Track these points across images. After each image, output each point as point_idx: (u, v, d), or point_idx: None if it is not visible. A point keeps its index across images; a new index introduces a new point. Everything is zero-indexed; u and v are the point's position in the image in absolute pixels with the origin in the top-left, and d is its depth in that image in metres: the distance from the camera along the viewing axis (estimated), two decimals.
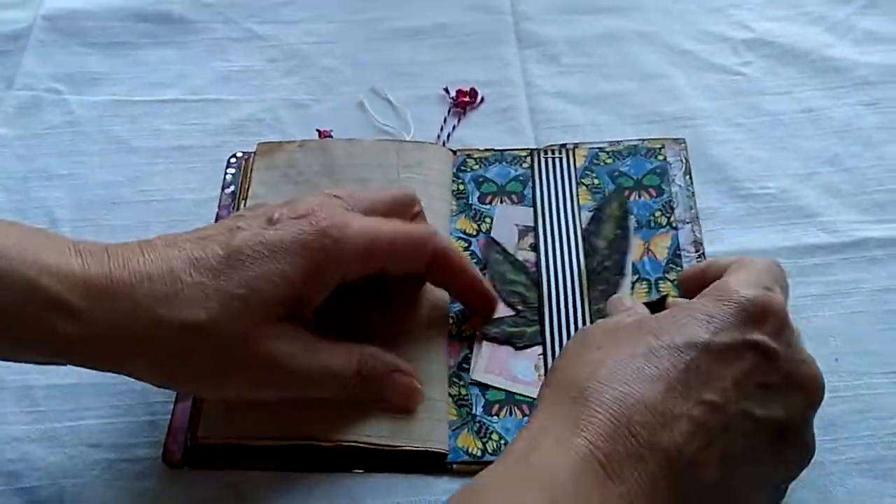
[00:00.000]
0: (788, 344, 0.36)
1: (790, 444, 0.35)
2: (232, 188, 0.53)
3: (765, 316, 0.36)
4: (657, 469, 0.31)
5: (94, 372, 0.45)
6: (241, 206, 0.50)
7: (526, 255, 0.49)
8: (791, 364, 0.36)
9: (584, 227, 0.50)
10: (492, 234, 0.50)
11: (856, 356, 0.46)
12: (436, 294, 0.47)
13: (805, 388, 0.36)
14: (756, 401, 0.34)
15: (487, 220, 0.51)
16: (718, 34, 0.61)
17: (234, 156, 0.54)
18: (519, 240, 0.50)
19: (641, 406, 0.32)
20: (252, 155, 0.53)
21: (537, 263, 0.49)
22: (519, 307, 0.47)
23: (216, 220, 0.50)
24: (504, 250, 0.50)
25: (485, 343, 0.46)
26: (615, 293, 0.47)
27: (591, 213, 0.50)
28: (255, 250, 0.38)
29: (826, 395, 0.43)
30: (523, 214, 0.51)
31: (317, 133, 0.56)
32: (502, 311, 0.47)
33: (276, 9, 0.64)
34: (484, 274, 0.48)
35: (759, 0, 0.63)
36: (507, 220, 0.51)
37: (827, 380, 0.44)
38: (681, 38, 0.61)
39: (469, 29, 0.62)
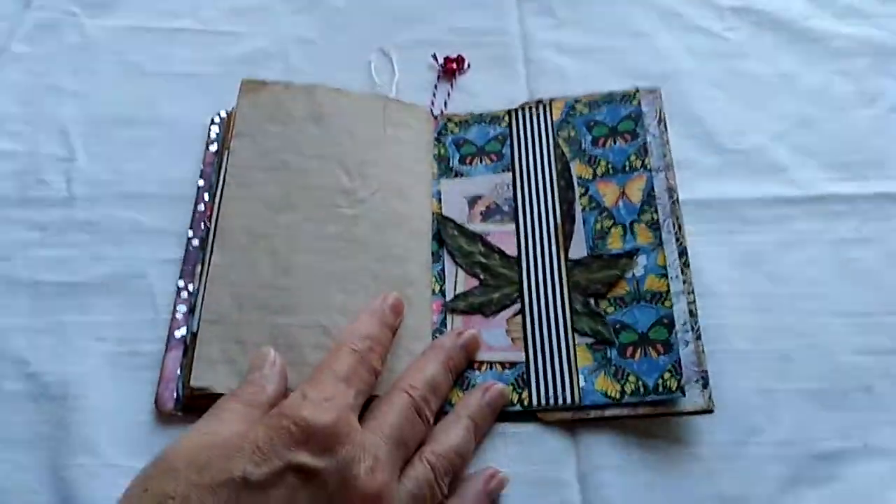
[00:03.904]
0: (338, 459, 0.36)
1: None
2: (215, 146, 0.54)
3: (309, 435, 0.36)
4: None
5: (101, 271, 0.49)
6: (226, 154, 0.52)
7: (478, 227, 0.51)
8: (340, 477, 0.36)
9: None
10: (444, 213, 0.52)
11: (811, 299, 0.49)
12: (415, 253, 0.49)
13: (354, 497, 0.36)
14: None
15: (466, 179, 0.53)
16: (708, 0, 0.64)
17: (217, 114, 0.55)
18: (469, 210, 0.52)
19: None
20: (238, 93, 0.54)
21: (515, 216, 0.51)
22: (481, 276, 0.49)
23: (200, 175, 0.53)
24: (456, 224, 0.51)
25: (455, 316, 0.48)
26: (570, 241, 0.49)
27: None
28: None
29: (783, 331, 0.48)
30: (470, 184, 0.52)
31: None
32: (465, 283, 0.49)
33: None
34: (443, 251, 0.50)
35: None
36: (455, 195, 0.52)
37: (784, 318, 0.48)
38: (672, 1, 0.64)
39: None
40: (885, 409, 0.45)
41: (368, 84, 0.58)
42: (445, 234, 0.51)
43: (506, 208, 0.51)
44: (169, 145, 0.55)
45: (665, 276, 0.46)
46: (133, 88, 0.58)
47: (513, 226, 0.50)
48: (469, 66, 0.60)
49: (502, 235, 0.50)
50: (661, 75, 0.59)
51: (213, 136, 0.55)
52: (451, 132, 0.55)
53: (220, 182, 0.51)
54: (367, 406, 0.42)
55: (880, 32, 0.61)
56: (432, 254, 0.50)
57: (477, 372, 0.46)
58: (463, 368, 0.46)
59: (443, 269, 0.50)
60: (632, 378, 0.44)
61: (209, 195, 0.52)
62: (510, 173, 0.52)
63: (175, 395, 0.45)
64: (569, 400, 0.44)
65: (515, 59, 0.60)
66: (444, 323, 0.48)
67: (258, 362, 0.42)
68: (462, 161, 0.54)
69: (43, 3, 0.62)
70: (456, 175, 0.53)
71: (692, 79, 0.59)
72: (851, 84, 0.59)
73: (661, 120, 0.52)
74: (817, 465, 0.43)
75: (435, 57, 0.60)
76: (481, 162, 0.53)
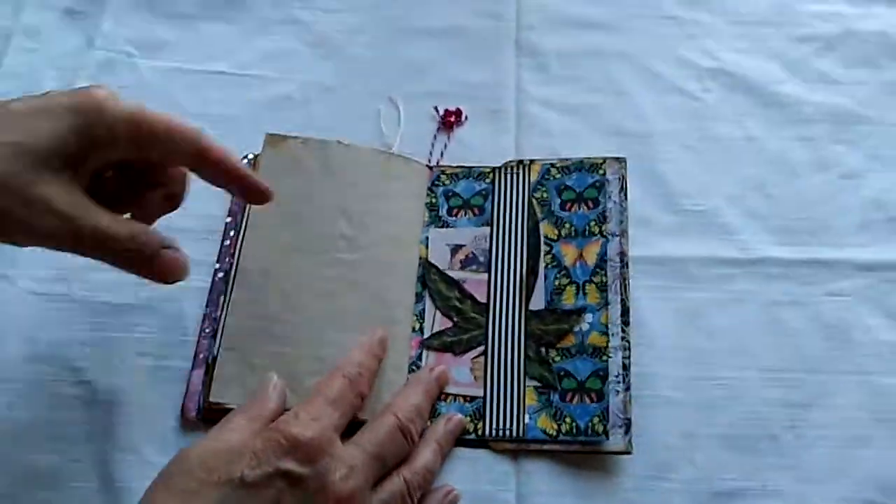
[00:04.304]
0: (318, 468, 0.45)
1: None
2: None
3: (296, 447, 0.45)
4: None
5: (143, 295, 0.59)
6: None
7: (456, 274, 0.59)
8: (319, 483, 0.45)
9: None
10: (429, 258, 0.60)
11: (737, 354, 0.57)
12: (401, 296, 0.58)
13: (328, 499, 0.45)
14: None
15: (452, 230, 0.61)
16: (688, 60, 0.70)
17: (245, 157, 0.64)
18: (451, 256, 0.60)
19: None
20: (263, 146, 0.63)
21: (489, 267, 0.59)
22: (455, 318, 0.58)
23: (228, 213, 0.62)
24: (439, 270, 0.60)
25: (430, 353, 0.57)
26: (532, 293, 0.58)
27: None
28: (28, 107, 0.44)
29: (708, 382, 0.56)
30: (453, 235, 0.61)
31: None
32: (441, 323, 0.58)
33: None
34: (425, 292, 0.59)
35: (730, 32, 0.71)
36: (440, 243, 0.61)
37: (711, 370, 0.57)
38: (655, 61, 0.70)
39: (476, 33, 0.72)
40: (786, 456, 0.54)
41: (377, 132, 0.67)
42: (429, 278, 0.60)
43: (481, 259, 0.60)
44: (203, 183, 0.64)
45: (606, 333, 0.55)
46: None
47: (486, 276, 0.59)
48: (466, 118, 0.68)
49: (476, 283, 0.59)
50: (636, 134, 0.66)
51: None
52: (444, 184, 0.63)
53: (244, 226, 0.60)
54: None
55: (843, 99, 0.68)
56: (416, 294, 0.59)
57: (443, 402, 0.55)
58: (437, 398, 0.55)
59: (423, 310, 0.59)
60: (568, 419, 0.53)
61: (234, 232, 0.61)
62: (489, 227, 0.61)
63: (197, 406, 0.55)
64: (515, 434, 0.53)
65: (508, 113, 0.67)
66: (420, 357, 0.57)
67: (264, 384, 0.52)
68: (449, 212, 0.62)
69: (104, 44, 0.71)
70: (443, 225, 0.62)
71: (664, 139, 0.66)
72: (808, 150, 0.65)
73: (622, 188, 0.60)
74: (719, 499, 0.52)
75: (437, 109, 0.68)
76: (465, 214, 0.62)
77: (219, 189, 0.63)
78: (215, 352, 0.56)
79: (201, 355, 0.57)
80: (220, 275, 0.60)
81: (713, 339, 0.58)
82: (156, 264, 0.48)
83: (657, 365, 0.56)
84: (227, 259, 0.60)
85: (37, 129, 0.43)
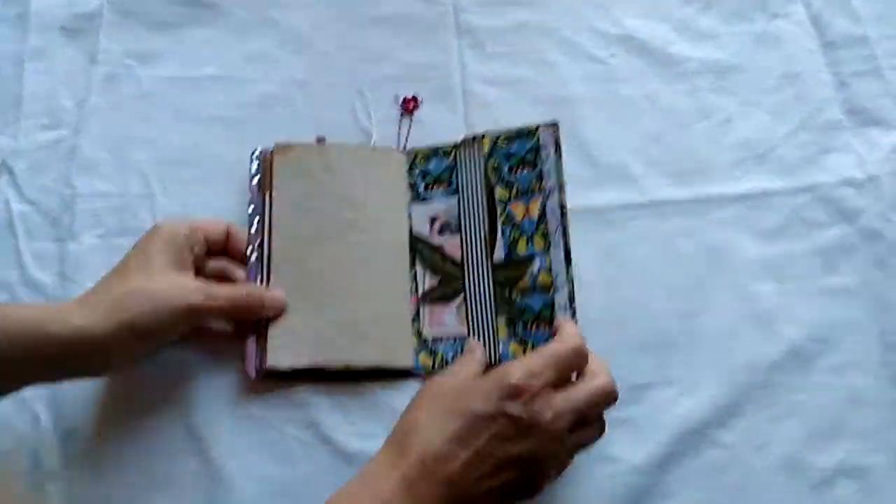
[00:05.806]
0: (534, 411, 0.58)
1: (529, 470, 0.58)
2: (258, 177, 0.76)
3: (518, 393, 0.58)
4: (441, 490, 0.56)
5: None
6: (267, 194, 0.75)
7: (436, 240, 0.76)
8: (532, 422, 0.57)
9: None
10: (414, 229, 0.76)
11: (643, 278, 0.76)
12: (399, 265, 0.75)
13: (539, 435, 0.58)
14: (503, 447, 0.57)
15: (429, 204, 0.77)
16: (598, 29, 0.85)
17: (255, 151, 0.77)
18: (430, 226, 0.77)
19: (433, 451, 0.56)
20: (270, 153, 0.76)
21: (460, 229, 0.76)
22: (440, 277, 0.75)
23: (249, 205, 0.75)
24: (424, 240, 0.76)
25: (426, 305, 0.75)
26: (494, 248, 0.74)
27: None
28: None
29: (622, 302, 0.76)
30: (430, 208, 0.77)
31: (315, 139, 0.80)
32: (430, 281, 0.75)
33: None
34: (416, 259, 0.76)
35: (631, 1, 0.86)
36: (421, 216, 0.77)
37: (624, 293, 0.76)
38: (571, 32, 0.85)
39: (420, 18, 0.85)
40: (682, 354, 0.73)
41: (354, 119, 0.82)
42: (416, 247, 0.77)
43: (453, 224, 0.77)
44: (215, 180, 0.78)
45: (550, 272, 0.73)
46: (184, 133, 0.80)
47: (458, 238, 0.76)
48: (422, 101, 0.82)
49: (452, 246, 0.76)
50: (559, 100, 0.82)
51: (254, 169, 0.77)
52: (419, 165, 0.79)
53: (268, 223, 0.75)
54: None
55: (721, 53, 0.84)
56: (410, 261, 0.76)
57: (440, 343, 0.74)
58: None
59: (416, 273, 0.76)
60: (530, 343, 0.71)
61: (258, 220, 0.75)
62: (456, 196, 0.78)
63: (255, 369, 0.71)
64: (493, 360, 0.72)
65: (455, 92, 0.83)
66: (418, 311, 0.75)
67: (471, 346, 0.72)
68: (426, 189, 0.78)
69: (105, 59, 0.83)
70: (422, 200, 0.78)
71: (581, 104, 0.82)
72: (693, 101, 0.82)
73: (557, 148, 0.74)
74: (634, 391, 0.72)
75: (397, 98, 0.82)
76: (438, 188, 0.78)
77: (228, 186, 0.78)
78: (263, 324, 0.73)
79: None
80: (254, 258, 0.75)
81: (625, 268, 0.77)
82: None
83: (583, 293, 0.75)
84: (256, 243, 0.75)
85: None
